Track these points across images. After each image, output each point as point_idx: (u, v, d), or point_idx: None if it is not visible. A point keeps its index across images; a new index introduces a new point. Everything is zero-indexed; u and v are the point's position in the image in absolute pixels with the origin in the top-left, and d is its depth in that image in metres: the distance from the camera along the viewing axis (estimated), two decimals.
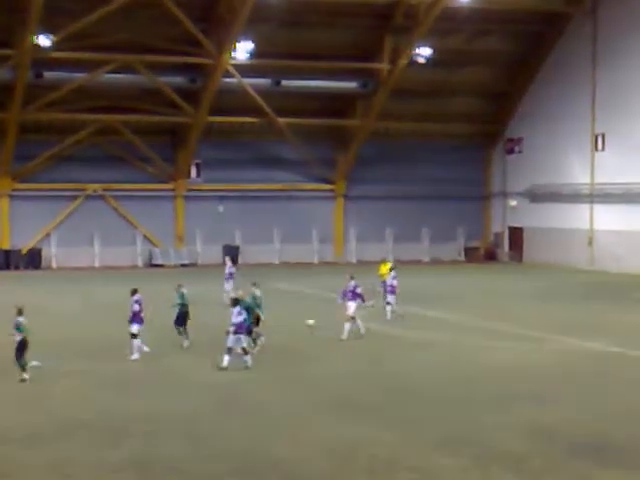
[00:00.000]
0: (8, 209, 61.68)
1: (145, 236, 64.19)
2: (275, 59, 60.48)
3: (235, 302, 23.93)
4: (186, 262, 63.84)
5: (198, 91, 61.42)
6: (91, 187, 63.21)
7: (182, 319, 27.56)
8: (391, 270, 34.91)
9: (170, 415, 19.54)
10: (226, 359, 23.58)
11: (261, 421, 19.21)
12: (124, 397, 21.25)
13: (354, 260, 66.45)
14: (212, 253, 64.35)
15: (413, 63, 61.72)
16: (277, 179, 67.27)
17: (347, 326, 29.34)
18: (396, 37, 62.17)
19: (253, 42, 58.58)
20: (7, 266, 59.96)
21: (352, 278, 30.36)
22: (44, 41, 55.14)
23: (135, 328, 25.49)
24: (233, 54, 59.10)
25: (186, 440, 17.61)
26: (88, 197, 63.37)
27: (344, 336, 29.20)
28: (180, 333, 27.72)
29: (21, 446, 16.94)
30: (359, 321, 29.92)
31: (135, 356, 25.53)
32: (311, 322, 29.15)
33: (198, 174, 66.13)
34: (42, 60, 56.60)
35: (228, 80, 60.67)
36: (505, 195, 71.38)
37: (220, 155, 65.67)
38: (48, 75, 58.33)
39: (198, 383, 23.00)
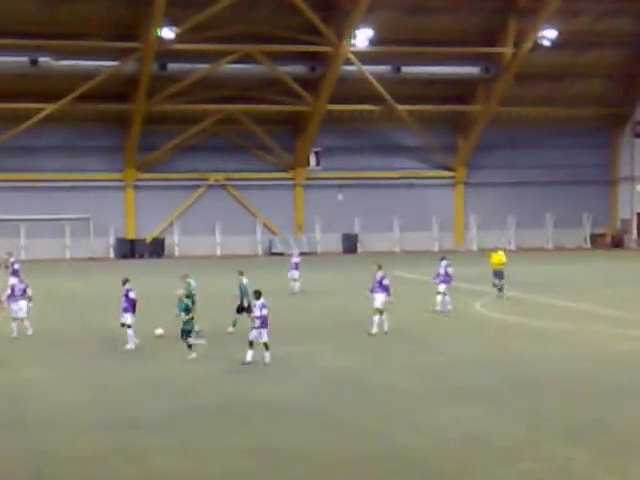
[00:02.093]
0: (133, 199, 63.16)
1: (265, 225, 64.79)
2: (395, 45, 60.06)
3: (258, 295, 22.74)
4: (305, 250, 64.10)
5: (318, 79, 61.53)
6: (213, 176, 64.16)
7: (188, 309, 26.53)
8: (442, 259, 33.56)
9: (294, 401, 19.50)
10: (249, 354, 22.67)
11: (383, 408, 18.95)
12: (250, 383, 21.31)
13: (475, 248, 65.55)
14: (331, 241, 64.52)
15: (537, 46, 60.35)
16: (397, 167, 66.85)
17: (376, 319, 27.30)
18: (520, 20, 60.93)
19: (373, 29, 58.34)
20: (132, 255, 61.40)
21: (379, 268, 28.08)
22: (168, 33, 56.24)
23: (128, 318, 24.97)
24: (353, 41, 59.00)
25: (309, 426, 17.50)
26: (210, 186, 64.34)
27: (373, 330, 27.26)
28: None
29: (151, 431, 17.13)
30: (384, 315, 27.80)
31: (129, 346, 24.99)
32: (159, 332, 25.36)
33: (317, 162, 66.29)
34: (166, 52, 57.73)
35: (348, 68, 60.60)
36: (633, 180, 69.10)
37: (339, 143, 65.68)
38: (172, 67, 59.45)
39: (321, 369, 22.91)
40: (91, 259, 60.30)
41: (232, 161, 64.27)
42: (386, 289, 27.51)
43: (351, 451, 15.82)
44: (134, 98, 59.94)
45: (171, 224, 63.33)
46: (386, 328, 27.52)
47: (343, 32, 58.46)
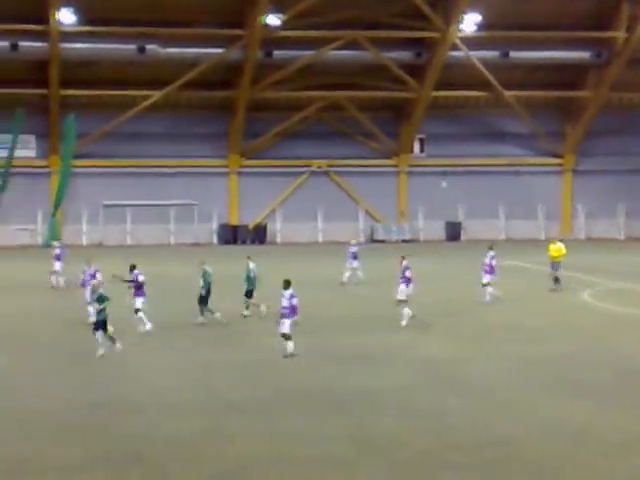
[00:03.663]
0: (237, 186, 63.60)
1: (367, 211, 64.43)
2: (503, 30, 58.82)
3: (287, 284, 22.23)
4: (408, 238, 63.57)
5: (423, 65, 60.80)
6: (316, 163, 64.08)
7: (204, 298, 26.74)
8: (490, 249, 32.49)
9: (390, 390, 19.21)
10: (289, 345, 22.19)
11: (481, 398, 18.49)
12: (344, 371, 21.10)
13: (582, 237, 63.91)
14: (434, 229, 63.78)
15: None
16: (502, 153, 65.61)
17: (406, 310, 26.67)
18: (633, 3, 58.97)
19: (481, 14, 57.26)
20: (235, 241, 61.83)
21: (404, 258, 27.53)
22: (274, 20, 56.32)
23: (138, 302, 25.26)
24: (460, 27, 58.07)
25: (406, 415, 17.20)
26: (313, 173, 64.30)
27: (404, 322, 26.62)
28: (202, 312, 26.92)
29: (246, 414, 17.09)
30: (406, 308, 26.98)
31: (145, 327, 25.23)
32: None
33: (422, 149, 65.59)
34: (271, 39, 57.84)
35: (454, 53, 59.69)
36: None
37: (444, 130, 64.81)
38: (277, 54, 59.49)
39: (418, 359, 22.54)
40: (195, 245, 60.92)
41: (335, 148, 64.04)
42: (408, 280, 26.93)
43: (448, 440, 15.49)
44: (239, 85, 60.27)
45: (273, 210, 63.51)
46: (407, 319, 26.79)
47: (450, 17, 57.58)
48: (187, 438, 15.48)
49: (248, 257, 28.99)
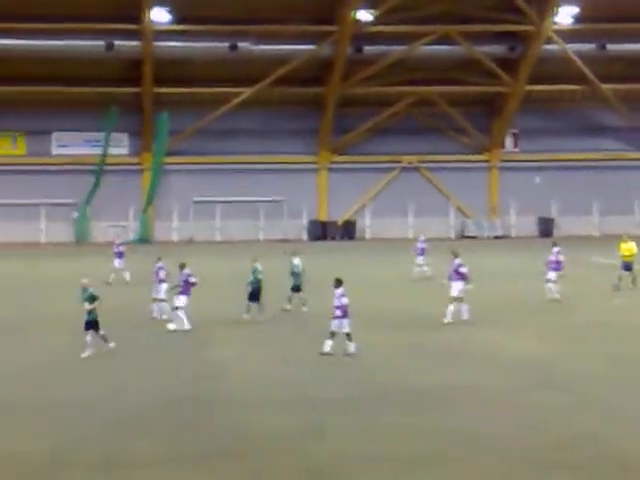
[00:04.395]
0: (326, 181, 63.49)
1: (458, 207, 63.66)
2: (600, 23, 57.35)
3: (338, 283, 21.71)
4: (499, 234, 62.66)
5: (517, 59, 59.76)
6: (406, 159, 63.57)
7: (256, 295, 26.51)
8: (554, 245, 31.34)
9: (481, 387, 18.83)
10: (328, 344, 21.64)
11: (572, 395, 18.06)
12: (430, 368, 20.75)
13: None
14: (526, 225, 62.73)
15: None
16: (598, 148, 64.05)
17: (451, 308, 25.87)
18: None
19: (577, 6, 55.91)
20: (324, 237, 61.75)
21: (456, 256, 26.71)
22: (365, 16, 55.97)
23: (181, 300, 25.03)
24: (555, 19, 56.80)
25: (502, 413, 16.83)
26: (403, 169, 63.79)
27: (447, 319, 25.84)
28: (249, 309, 26.65)
29: (336, 412, 16.89)
30: (464, 305, 26.28)
31: (173, 326, 25.00)
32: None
33: (514, 144, 64.51)
34: (362, 35, 57.53)
35: (549, 47, 58.46)
36: None
37: (537, 124, 63.61)
38: (368, 49, 59.14)
39: (507, 355, 22.13)
40: (284, 241, 61.01)
41: (426, 143, 63.42)
42: (463, 277, 26.27)
43: (541, 438, 15.12)
44: (329, 81, 60.10)
45: (363, 206, 63.23)
46: (466, 316, 26.19)
47: (545, 10, 56.42)
48: (277, 435, 15.39)
49: (293, 253, 29.17)
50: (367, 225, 63.02)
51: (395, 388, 18.74)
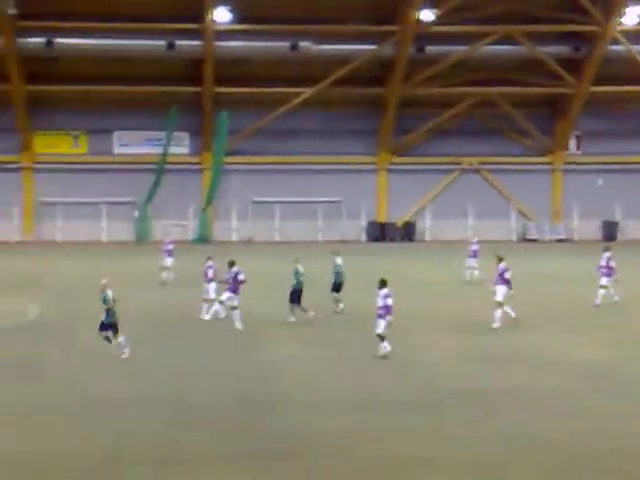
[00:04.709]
0: (386, 182, 63.13)
1: (519, 210, 62.84)
2: None
3: (383, 284, 21.45)
4: (561, 237, 61.75)
5: (581, 60, 58.85)
6: (467, 160, 62.95)
7: (297, 297, 26.36)
8: (605, 251, 30.47)
9: (534, 390, 18.62)
10: (382, 346, 21.40)
11: (637, 403, 17.72)
12: (495, 371, 20.56)
13: None
14: (589, 229, 61.72)
15: None
16: None
17: (497, 313, 25.66)
18: None
19: None
20: (383, 238, 61.44)
21: (501, 260, 26.36)
22: (427, 16, 55.54)
23: (225, 295, 25.12)
24: (621, 20, 55.74)
25: (561, 417, 16.58)
26: (463, 170, 63.18)
27: (496, 324, 25.61)
28: (294, 311, 26.48)
29: (395, 415, 16.76)
30: (508, 307, 25.88)
31: (238, 325, 25.00)
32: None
33: (577, 147, 63.49)
34: (423, 35, 57.10)
35: (614, 47, 57.44)
36: None
37: (602, 126, 62.56)
38: (429, 49, 58.67)
39: (566, 359, 21.80)
40: (342, 242, 60.79)
41: (487, 145, 62.74)
42: (507, 282, 25.97)
43: (598, 443, 14.91)
44: (390, 82, 59.75)
45: (422, 208, 62.75)
46: (513, 315, 25.91)
47: (611, 10, 55.44)
48: (331, 436, 15.33)
49: (335, 252, 29.23)
50: (427, 227, 62.54)
51: (452, 391, 18.57)
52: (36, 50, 56.76)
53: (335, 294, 28.42)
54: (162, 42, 57.08)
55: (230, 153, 60.71)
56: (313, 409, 17.09)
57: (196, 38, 57.39)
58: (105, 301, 20.96)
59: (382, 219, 62.61)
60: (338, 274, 28.40)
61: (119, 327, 21.02)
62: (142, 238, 59.18)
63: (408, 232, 62.03)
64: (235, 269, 25.23)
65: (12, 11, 54.86)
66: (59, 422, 16.07)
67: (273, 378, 19.77)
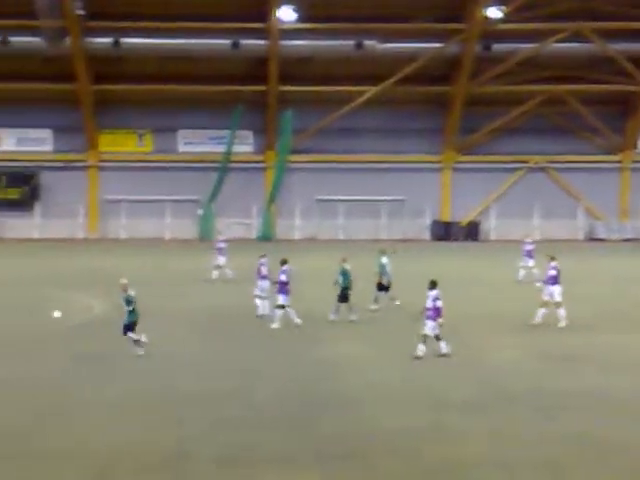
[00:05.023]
0: (450, 181, 62.50)
1: (587, 209, 61.74)
2: None
3: (433, 285, 21.04)
4: (630, 236, 60.60)
5: None
6: (533, 159, 62.03)
7: (345, 296, 25.94)
8: None
9: (605, 391, 18.11)
10: (421, 347, 20.94)
11: None
12: (555, 372, 20.06)
13: None
14: None
15: None
16: None
17: (561, 312, 25.14)
18: None
19: None
20: (446, 237, 60.86)
21: (552, 259, 25.72)
22: (494, 13, 54.84)
23: (281, 299, 24.69)
24: None
25: (626, 418, 16.15)
26: (530, 169, 62.27)
27: (537, 320, 25.24)
28: (338, 310, 26.08)
29: (462, 413, 16.47)
30: (544, 308, 25.33)
31: (275, 325, 24.71)
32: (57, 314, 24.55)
33: None
34: (490, 32, 56.43)
35: None
36: None
37: None
38: (496, 47, 57.93)
39: (630, 359, 21.31)
40: (406, 240, 60.38)
41: (554, 143, 61.78)
42: (555, 281, 25.38)
43: None
44: (456, 80, 59.13)
45: (487, 207, 61.98)
46: (563, 324, 25.16)
47: None
48: (401, 436, 15.05)
49: (382, 251, 28.96)
50: (492, 226, 61.78)
51: (519, 391, 18.19)
52: (103, 50, 57.35)
53: (383, 293, 28.21)
54: (227, 41, 57.22)
55: (294, 152, 60.62)
56: (377, 409, 16.81)
57: (261, 37, 57.42)
58: (128, 302, 20.77)
59: (446, 218, 62.01)
60: (383, 273, 28.18)
61: (140, 326, 20.90)
62: (205, 236, 59.34)
63: (472, 231, 61.36)
64: (286, 267, 25.05)
65: (80, 12, 55.51)
66: (125, 417, 16.08)
67: (335, 377, 19.52)
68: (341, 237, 60.97)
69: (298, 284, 26.90)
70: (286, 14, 56.46)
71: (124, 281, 20.96)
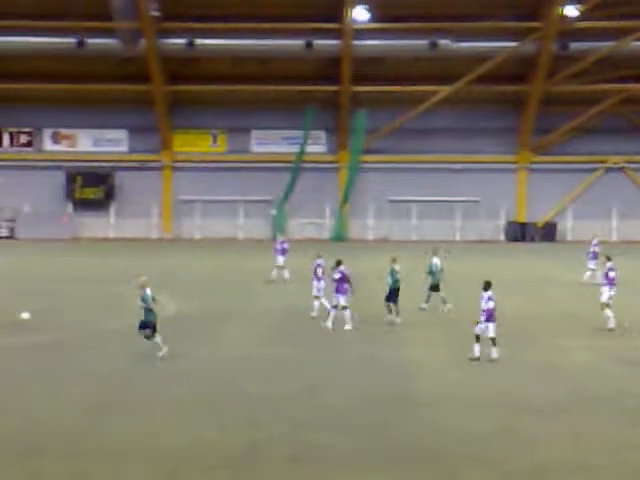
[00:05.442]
0: (526, 182, 61.63)
1: None
2: None
3: (487, 286, 20.56)
4: None
5: None
6: (611, 159, 60.80)
7: (393, 296, 25.58)
8: None
9: None
10: (476, 348, 20.49)
11: None
12: (634, 375, 19.59)
13: None
14: None
15: None
16: None
17: (607, 313, 24.55)
18: None
19: None
20: (522, 238, 60.09)
21: (609, 259, 25.28)
22: (571, 11, 53.91)
23: (338, 299, 24.53)
24: None
25: None
26: (607, 170, 61.07)
27: (609, 325, 24.52)
28: (390, 310, 25.72)
29: (538, 416, 16.14)
30: (608, 311, 24.59)
31: (347, 326, 24.48)
32: (24, 316, 24.30)
33: None
34: (567, 31, 55.53)
35: None
36: None
37: None
38: (573, 46, 56.94)
39: None
40: (480, 241, 59.75)
41: (632, 143, 60.60)
42: (611, 282, 24.87)
43: None
44: (531, 79, 58.29)
45: (564, 208, 60.96)
46: (611, 325, 24.65)
47: None
48: (477, 440, 14.76)
49: (433, 251, 28.96)
50: (568, 227, 60.79)
51: (601, 393, 17.79)
52: (177, 51, 57.85)
53: (434, 293, 28.15)
54: (300, 41, 57.23)
55: (367, 152, 60.41)
56: (450, 411, 16.54)
57: (334, 37, 57.31)
58: (144, 300, 20.57)
59: (522, 219, 61.16)
60: (434, 273, 28.15)
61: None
62: (279, 236, 59.41)
63: (548, 232, 60.44)
64: (341, 268, 24.88)
65: (155, 13, 56.11)
66: (195, 416, 16.08)
67: (404, 378, 19.27)
68: (414, 238, 60.57)
69: (367, 284, 26.76)
70: (360, 14, 56.28)
71: (142, 279, 20.88)
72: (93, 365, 20.07)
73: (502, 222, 61.12)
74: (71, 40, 56.60)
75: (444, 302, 28.06)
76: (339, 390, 18.10)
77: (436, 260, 28.44)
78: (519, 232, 60.57)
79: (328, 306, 25.74)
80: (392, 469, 13.40)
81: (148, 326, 20.66)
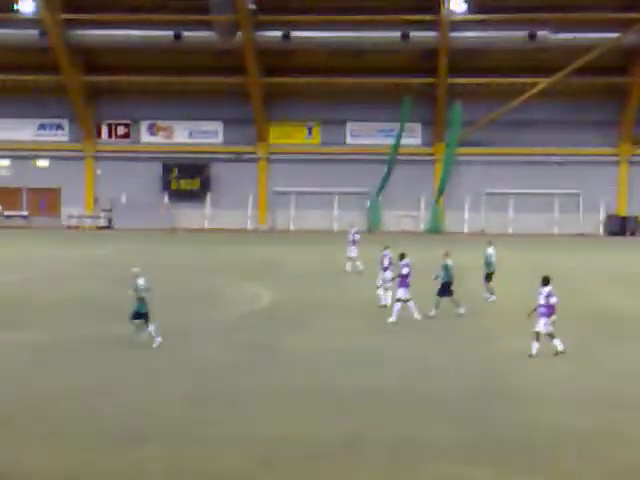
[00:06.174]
0: (627, 175, 60.19)
1: None
2: None
3: (546, 281, 19.76)
4: None
5: None
6: None
7: (445, 290, 25.12)
8: None
9: None
10: (535, 345, 19.81)
11: None
12: None
13: None
14: None
15: None
16: None
17: None
18: None
19: None
20: (622, 232, 58.74)
21: None
22: None
23: (401, 292, 24.25)
24: None
25: None
26: None
27: None
28: (437, 305, 25.13)
29: (637, 412, 15.79)
30: None
31: (392, 319, 24.11)
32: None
33: None
34: None
35: None
36: None
37: None
38: None
39: None
40: (579, 235, 58.54)
41: None
42: None
43: None
44: (634, 70, 56.85)
45: None
46: None
47: None
48: (573, 434, 14.49)
49: (489, 242, 29.03)
50: None
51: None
52: (273, 43, 58.17)
53: (486, 283, 28.29)
54: (397, 33, 56.90)
55: (463, 144, 59.78)
56: (554, 406, 16.16)
57: (431, 29, 56.85)
58: (136, 290, 20.50)
59: (622, 213, 59.73)
60: (490, 264, 28.23)
61: (150, 316, 20.57)
62: (373, 228, 59.38)
63: None
64: (405, 261, 24.64)
65: (251, 6, 56.50)
66: (291, 407, 16.03)
67: (501, 372, 18.90)
68: (510, 231, 59.74)
69: (459, 278, 26.48)
70: (456, 5, 55.66)
71: (135, 269, 20.83)
72: (193, 356, 20.23)
73: (602, 216, 59.81)
74: (168, 33, 57.45)
75: (491, 292, 28.11)
76: (435, 383, 17.86)
77: (491, 251, 28.54)
78: (619, 226, 59.21)
79: (385, 298, 25.92)
80: (491, 462, 13.16)
81: (140, 316, 20.66)
